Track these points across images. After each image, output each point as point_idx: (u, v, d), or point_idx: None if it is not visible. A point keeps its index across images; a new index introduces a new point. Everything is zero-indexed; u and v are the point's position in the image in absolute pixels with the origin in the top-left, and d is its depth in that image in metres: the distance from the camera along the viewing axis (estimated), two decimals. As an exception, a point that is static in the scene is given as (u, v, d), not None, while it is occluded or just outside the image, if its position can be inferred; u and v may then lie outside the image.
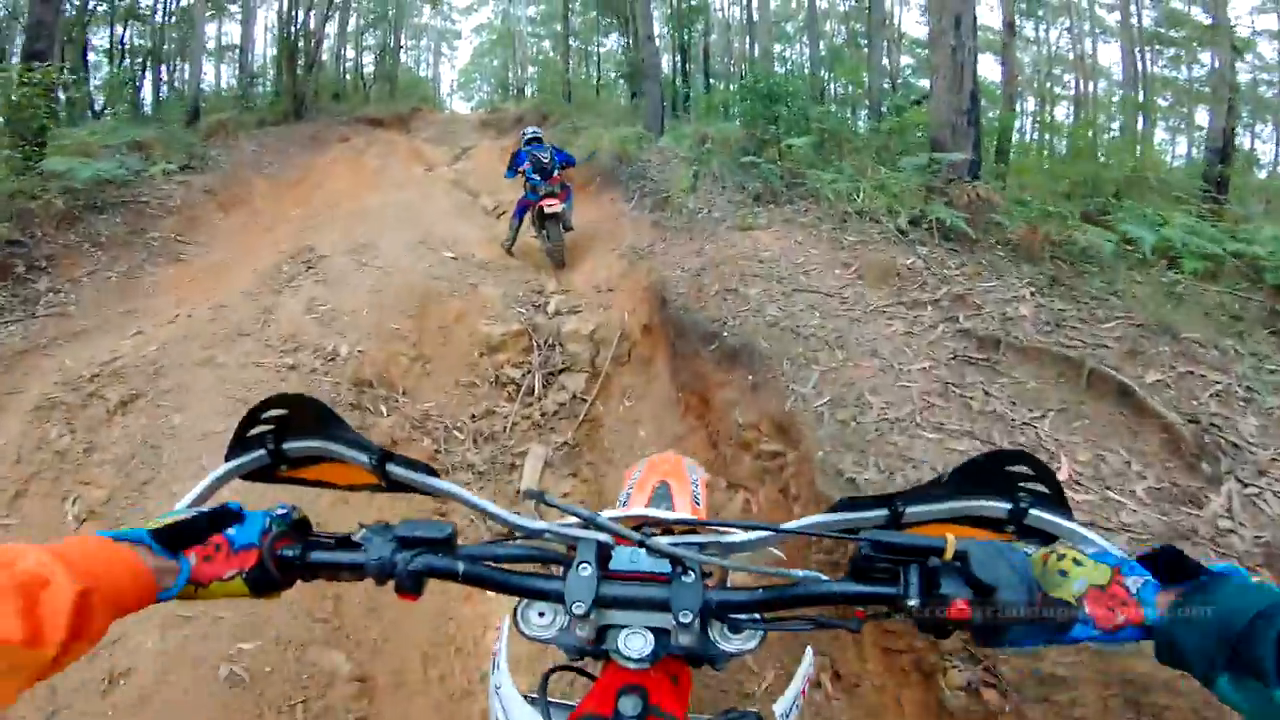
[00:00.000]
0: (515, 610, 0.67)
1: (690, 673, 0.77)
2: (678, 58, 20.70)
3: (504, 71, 29.90)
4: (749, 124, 7.37)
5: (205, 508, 0.65)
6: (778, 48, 25.96)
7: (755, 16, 21.40)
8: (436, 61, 33.91)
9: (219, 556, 0.61)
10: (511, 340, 4.71)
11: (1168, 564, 0.54)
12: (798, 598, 0.63)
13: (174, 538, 0.59)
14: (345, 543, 0.66)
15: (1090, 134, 11.02)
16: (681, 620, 0.60)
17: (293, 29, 13.99)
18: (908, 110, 9.43)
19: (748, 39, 23.06)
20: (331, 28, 19.29)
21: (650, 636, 0.63)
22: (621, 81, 23.91)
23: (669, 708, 0.63)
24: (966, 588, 0.55)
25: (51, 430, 3.52)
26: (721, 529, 0.75)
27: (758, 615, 0.65)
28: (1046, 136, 17.55)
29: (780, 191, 5.84)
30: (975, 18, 6.68)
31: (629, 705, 0.61)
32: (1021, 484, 0.68)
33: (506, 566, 0.67)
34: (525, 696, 0.84)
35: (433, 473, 0.73)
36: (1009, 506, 0.68)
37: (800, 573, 0.63)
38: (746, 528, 0.73)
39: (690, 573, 0.63)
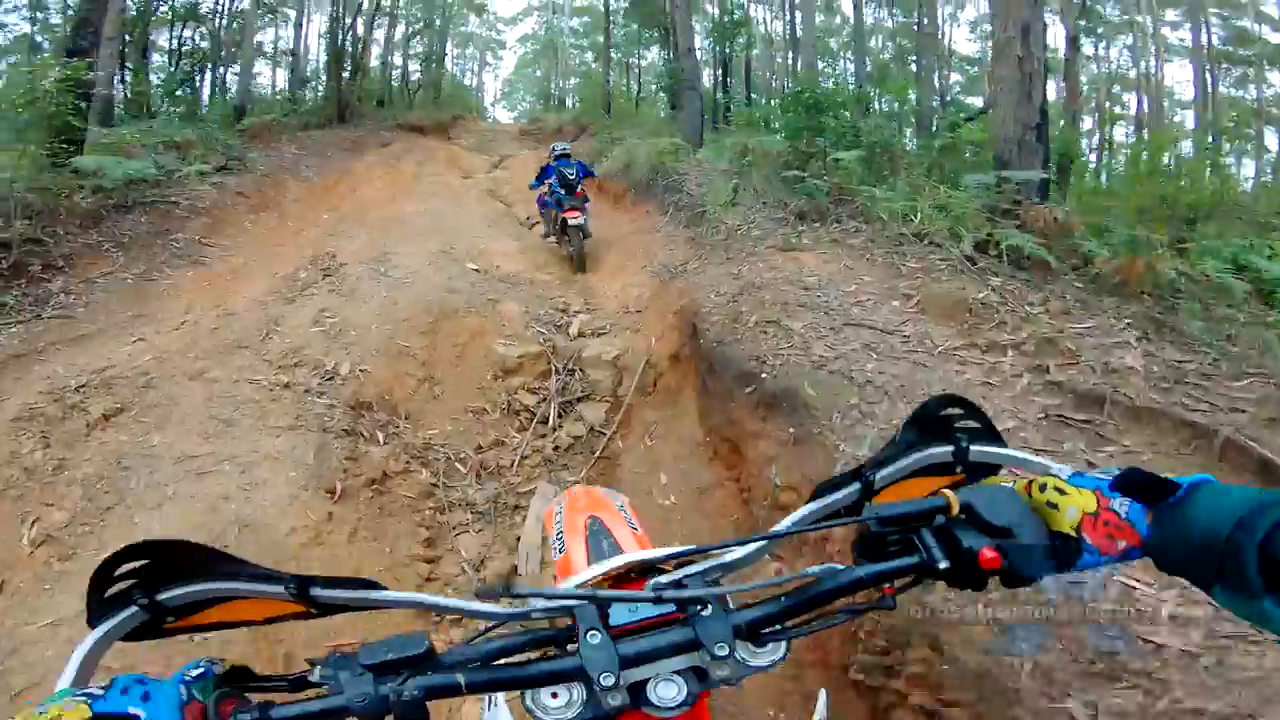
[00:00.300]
0: (524, 699, 0.57)
1: (708, 705, 0.70)
2: (718, 71, 20.24)
3: (546, 82, 29.93)
4: (792, 137, 6.86)
5: (94, 689, 0.48)
6: (821, 64, 25.37)
7: (799, 32, 20.89)
8: (481, 70, 34.19)
9: None
10: (529, 363, 4.29)
11: (1139, 485, 0.53)
12: (824, 594, 0.60)
13: None
14: (300, 684, 0.55)
15: (1161, 154, 10.17)
16: (718, 654, 0.57)
17: (340, 34, 14.00)
18: (961, 127, 8.80)
19: (790, 54, 22.53)
20: (379, 34, 19.44)
21: (681, 681, 0.58)
22: (661, 94, 23.66)
23: None
24: (984, 536, 0.55)
25: (25, 444, 3.21)
26: (713, 552, 0.68)
27: (781, 627, 0.61)
28: (1104, 157, 16.55)
29: (827, 209, 5.31)
30: (1045, 27, 6.08)
31: None
32: (956, 424, 0.69)
33: (505, 661, 0.59)
34: None
35: (372, 585, 0.60)
36: (951, 449, 0.69)
37: (817, 568, 0.61)
38: (738, 545, 0.67)
39: (709, 606, 0.59)
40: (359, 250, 6.17)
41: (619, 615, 0.62)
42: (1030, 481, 0.59)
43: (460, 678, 0.54)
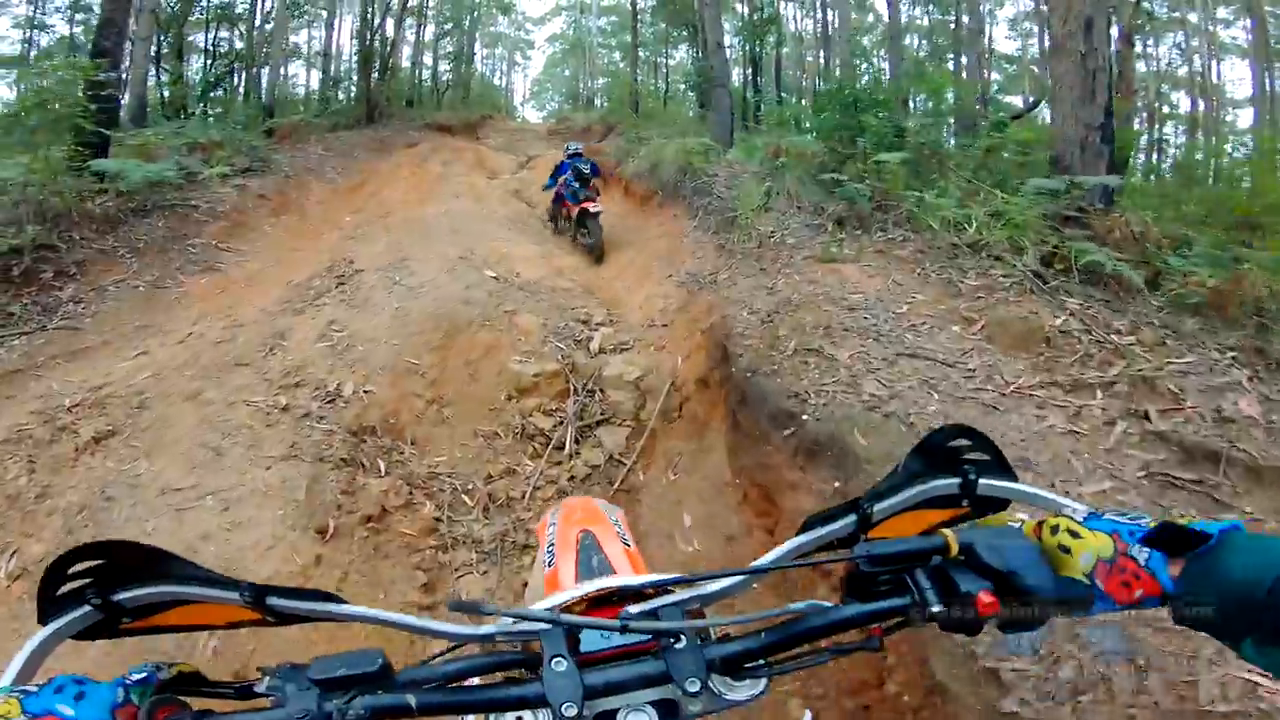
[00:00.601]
0: None
1: None
2: (748, 70, 19.71)
3: (574, 82, 29.64)
4: (828, 137, 6.40)
5: (30, 686, 0.46)
6: (854, 62, 24.61)
7: (831, 30, 20.22)
8: (509, 70, 34.06)
9: None
10: (546, 382, 3.95)
11: (1170, 538, 0.48)
12: (806, 632, 0.56)
13: None
14: (247, 693, 0.52)
15: (1219, 155, 9.42)
16: (689, 690, 0.52)
17: (369, 34, 13.87)
18: (1007, 127, 8.21)
19: (822, 53, 21.87)
20: (409, 34, 19.35)
21: (653, 712, 0.54)
22: (689, 94, 23.18)
23: None
24: (983, 579, 0.50)
25: (11, 469, 2.98)
26: (695, 582, 0.63)
27: (763, 662, 0.57)
28: (1154, 158, 15.62)
29: (868, 216, 4.86)
30: (1109, 21, 5.54)
31: None
32: (965, 457, 0.64)
33: (465, 684, 0.54)
34: None
35: (331, 598, 0.55)
36: (958, 481, 0.63)
37: (802, 605, 0.56)
38: (721, 576, 0.63)
39: (683, 639, 0.55)
40: (377, 255, 5.92)
41: (591, 641, 0.58)
42: (1041, 523, 0.55)
43: (411, 699, 0.49)
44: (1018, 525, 0.56)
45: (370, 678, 0.49)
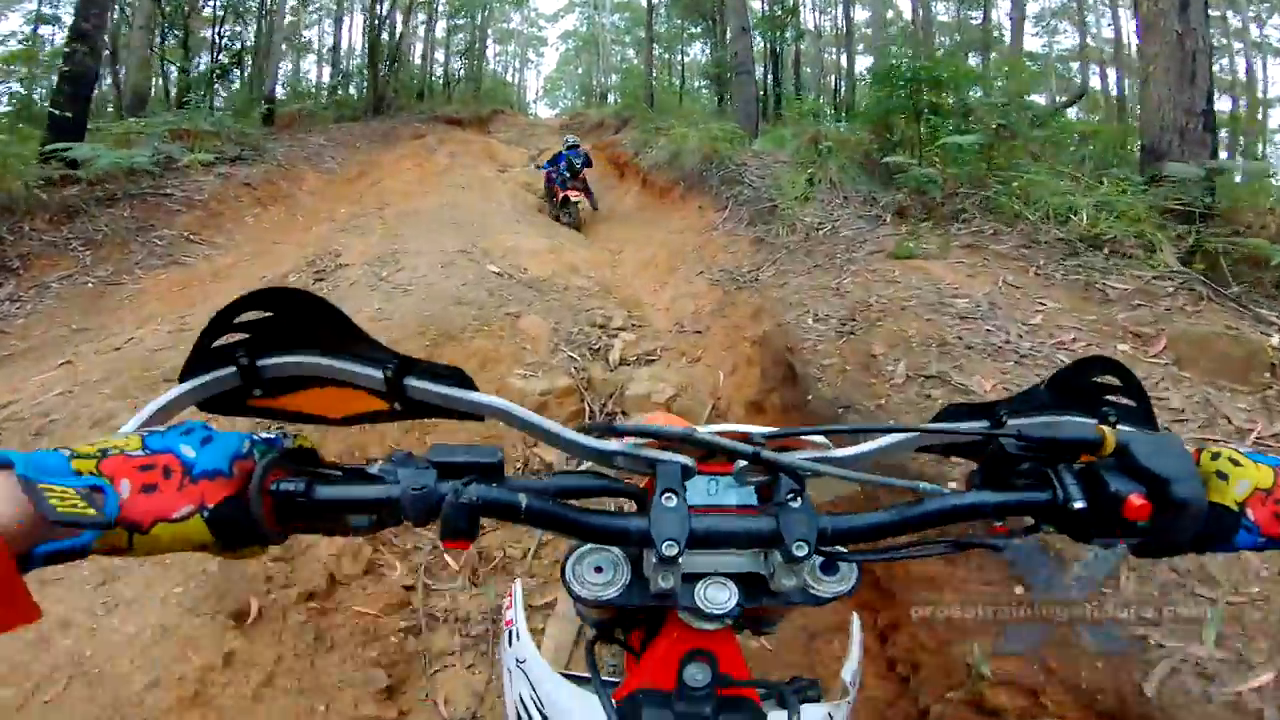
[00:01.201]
0: (564, 566, 0.50)
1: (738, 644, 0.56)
2: (767, 64, 18.74)
3: (587, 78, 28.80)
4: (877, 120, 5.54)
5: (159, 427, 0.42)
6: (869, 60, 23.64)
7: (855, 25, 19.26)
8: (523, 67, 33.27)
9: (166, 485, 0.37)
10: (556, 402, 3.14)
11: None
12: (927, 516, 0.48)
13: (100, 457, 0.36)
14: (360, 476, 0.46)
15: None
16: (796, 553, 0.45)
17: (376, 25, 13.10)
18: (1060, 116, 7.30)
19: (842, 50, 20.92)
20: (420, 28, 18.60)
21: (734, 586, 0.49)
22: (704, 90, 22.29)
23: (741, 675, 0.51)
24: (1137, 482, 0.44)
25: None
26: (818, 441, 0.55)
27: (874, 545, 0.50)
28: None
29: (936, 206, 4.01)
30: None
31: (697, 674, 0.49)
32: (1108, 397, 0.58)
33: (572, 503, 0.49)
34: (563, 674, 0.63)
35: (465, 381, 0.51)
36: (1094, 423, 0.54)
37: (927, 485, 0.48)
38: (846, 432, 0.62)
39: (800, 497, 0.47)
40: (367, 249, 5.14)
41: (696, 494, 0.51)
42: (1202, 449, 0.48)
43: (523, 499, 0.45)
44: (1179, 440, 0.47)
45: (487, 469, 0.46)
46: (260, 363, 0.50)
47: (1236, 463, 0.46)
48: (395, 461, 0.46)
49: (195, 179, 5.98)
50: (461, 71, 20.99)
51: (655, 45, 20.73)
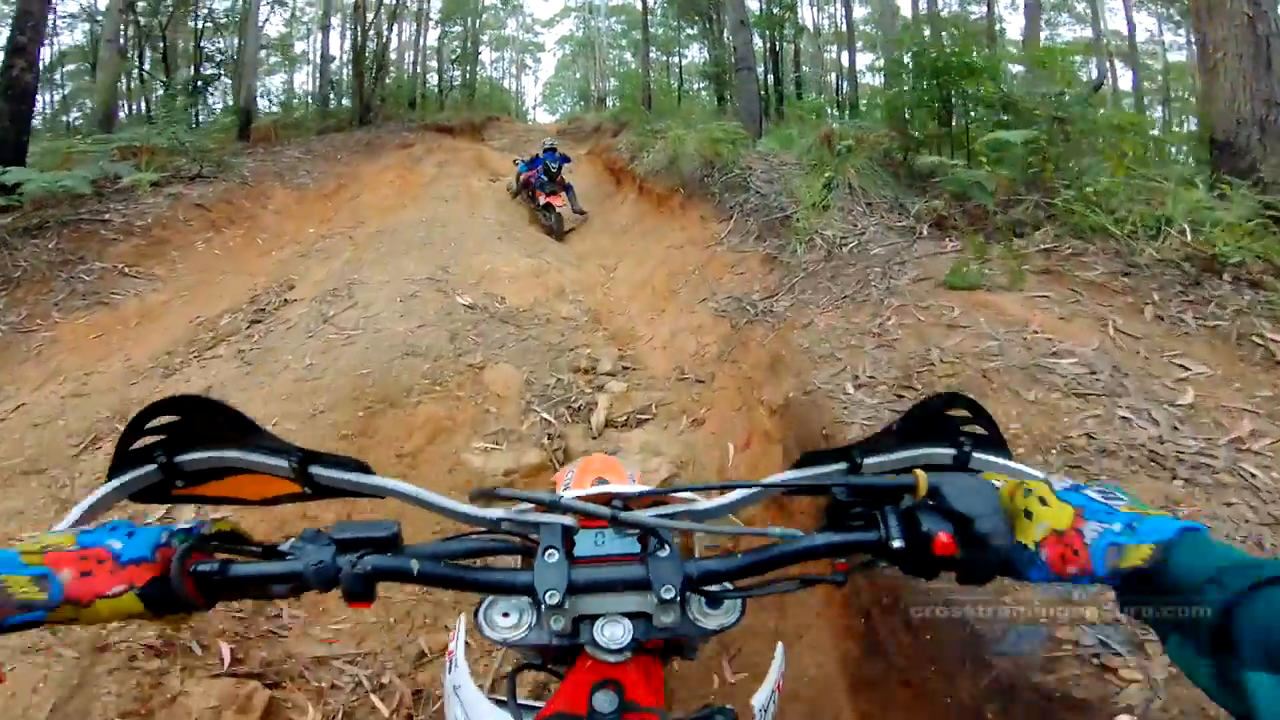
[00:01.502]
0: (476, 612, 0.56)
1: (662, 668, 0.65)
2: (768, 62, 18.01)
3: (585, 83, 28.11)
4: (898, 115, 4.83)
5: (89, 526, 0.49)
6: (868, 57, 22.89)
7: (854, 21, 18.52)
8: (520, 73, 32.62)
9: (100, 570, 0.46)
10: (523, 482, 2.46)
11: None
12: (778, 557, 0.54)
13: (43, 552, 0.45)
14: (272, 554, 0.52)
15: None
16: (664, 596, 0.51)
17: (360, 33, 12.46)
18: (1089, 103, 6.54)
19: (843, 48, 20.16)
20: (406, 34, 17.98)
21: (628, 623, 0.54)
22: (704, 93, 21.57)
23: (647, 702, 0.55)
24: (946, 522, 0.49)
25: None
26: (686, 496, 0.68)
27: (731, 585, 0.56)
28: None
29: (982, 214, 3.30)
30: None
31: (605, 701, 0.54)
32: (962, 428, 0.63)
33: (463, 563, 0.55)
34: (489, 697, 0.70)
35: (365, 469, 0.57)
36: (953, 452, 0.63)
37: (778, 530, 0.54)
38: (713, 489, 0.61)
39: (666, 546, 0.54)
40: (325, 278, 4.47)
41: (585, 547, 0.58)
42: (1021, 484, 0.51)
43: (414, 564, 0.51)
44: (999, 483, 0.52)
45: (382, 542, 0.51)
46: (178, 459, 0.55)
47: (1044, 501, 0.48)
48: (305, 538, 0.51)
49: (142, 201, 5.33)
50: (457, 79, 20.36)
51: (652, 47, 20.02)
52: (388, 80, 15.20)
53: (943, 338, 2.16)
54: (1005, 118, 3.75)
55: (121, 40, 12.24)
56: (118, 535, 0.47)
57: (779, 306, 3.11)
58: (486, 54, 29.77)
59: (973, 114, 3.99)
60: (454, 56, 19.26)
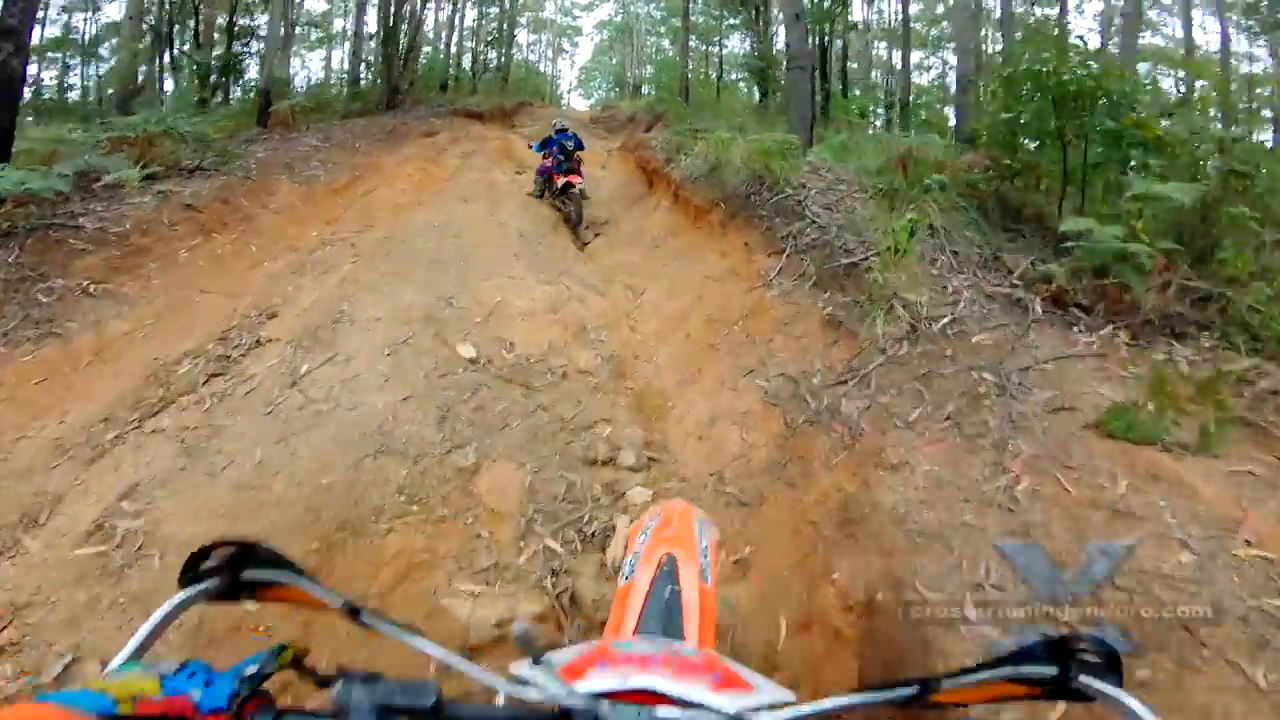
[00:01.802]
0: None
1: None
2: (815, 59, 16.90)
3: (621, 69, 27.10)
4: (998, 142, 4.05)
5: (165, 664, 0.53)
6: (918, 54, 21.54)
7: (908, 16, 17.30)
8: (556, 57, 31.71)
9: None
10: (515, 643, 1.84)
11: None
12: None
13: (135, 700, 0.47)
14: (328, 683, 0.54)
15: None
16: None
17: (391, 11, 11.81)
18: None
19: (894, 46, 18.96)
20: (443, 14, 17.29)
21: None
22: (744, 83, 20.46)
23: None
24: None
25: None
26: (739, 692, 0.61)
27: None
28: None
29: (1127, 301, 2.55)
30: None
31: None
32: (1079, 653, 0.55)
33: None
34: None
35: (412, 629, 0.60)
36: (1054, 670, 0.55)
37: None
38: (770, 706, 0.58)
39: None
40: (312, 304, 3.89)
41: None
42: None
43: None
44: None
45: (423, 713, 0.51)
46: (242, 575, 0.60)
47: None
48: (348, 690, 0.50)
49: (126, 202, 4.80)
50: (493, 61, 19.61)
51: (691, 36, 18.94)
52: (421, 61, 14.57)
53: (1106, 532, 1.47)
54: (1152, 161, 2.95)
55: (152, 17, 11.77)
56: (195, 683, 0.50)
57: (850, 406, 2.42)
58: (523, 36, 28.96)
59: (1098, 150, 3.19)
60: (489, 39, 18.52)
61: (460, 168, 9.19)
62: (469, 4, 18.38)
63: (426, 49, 16.39)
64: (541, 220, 7.04)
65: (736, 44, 22.03)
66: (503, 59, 19.02)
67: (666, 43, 24.67)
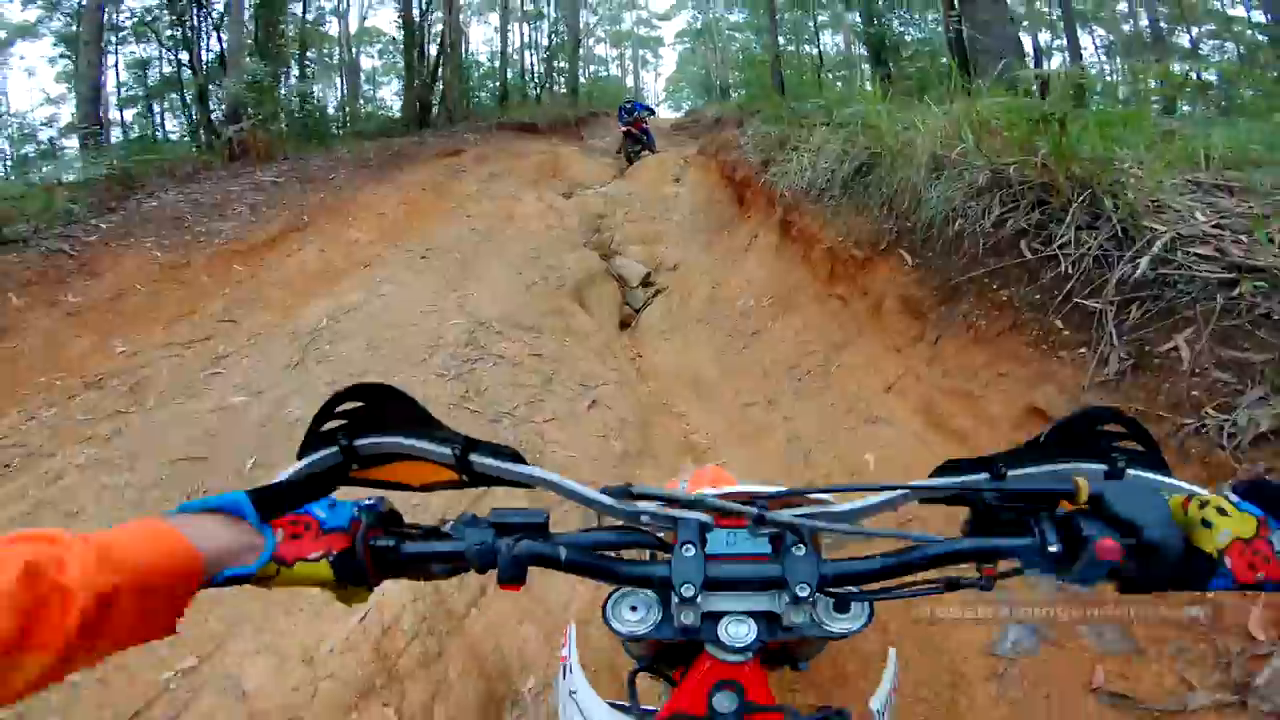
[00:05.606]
0: (605, 606, 0.54)
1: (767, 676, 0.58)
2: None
3: (706, 75, 23.74)
4: None
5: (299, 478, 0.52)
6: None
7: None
8: (637, 68, 28.95)
9: (307, 535, 0.48)
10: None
11: None
12: (918, 561, 0.51)
13: (270, 501, 0.47)
14: (434, 535, 0.53)
15: None
16: (799, 594, 0.49)
17: (416, 18, 9.25)
18: None
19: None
20: (488, 27, 14.80)
21: (753, 623, 0.52)
22: (844, 70, 16.47)
23: (767, 703, 0.54)
24: (1111, 529, 0.45)
25: None
26: (821, 497, 0.62)
27: (857, 589, 0.52)
28: None
29: None
30: None
31: (725, 701, 0.52)
32: (1116, 444, 0.55)
33: (604, 553, 0.54)
34: (607, 702, 0.70)
35: (519, 459, 0.56)
36: (1105, 468, 0.54)
37: (917, 534, 0.51)
38: (849, 491, 0.60)
39: (803, 545, 0.51)
40: None
41: (716, 544, 0.54)
42: (1191, 497, 0.47)
43: (562, 551, 0.51)
44: (1164, 496, 0.48)
45: (534, 527, 0.52)
46: (357, 443, 0.56)
47: (1223, 511, 0.46)
48: (464, 522, 0.52)
49: None
50: (562, 73, 17.00)
51: (779, 33, 15.13)
52: (472, 74, 12.15)
53: None
54: None
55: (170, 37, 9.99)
56: (322, 505, 0.50)
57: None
58: (603, 49, 26.48)
59: None
60: (548, 47, 15.83)
61: (473, 195, 6.34)
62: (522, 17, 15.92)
63: (483, 61, 14.03)
64: (579, 275, 3.93)
65: (829, 41, 18.11)
66: (563, 67, 16.20)
67: (753, 41, 21.02)
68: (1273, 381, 1.38)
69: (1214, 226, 1.84)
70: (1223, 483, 0.44)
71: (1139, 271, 1.71)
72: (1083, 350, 1.73)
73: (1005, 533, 0.50)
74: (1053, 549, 0.47)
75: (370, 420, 0.56)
